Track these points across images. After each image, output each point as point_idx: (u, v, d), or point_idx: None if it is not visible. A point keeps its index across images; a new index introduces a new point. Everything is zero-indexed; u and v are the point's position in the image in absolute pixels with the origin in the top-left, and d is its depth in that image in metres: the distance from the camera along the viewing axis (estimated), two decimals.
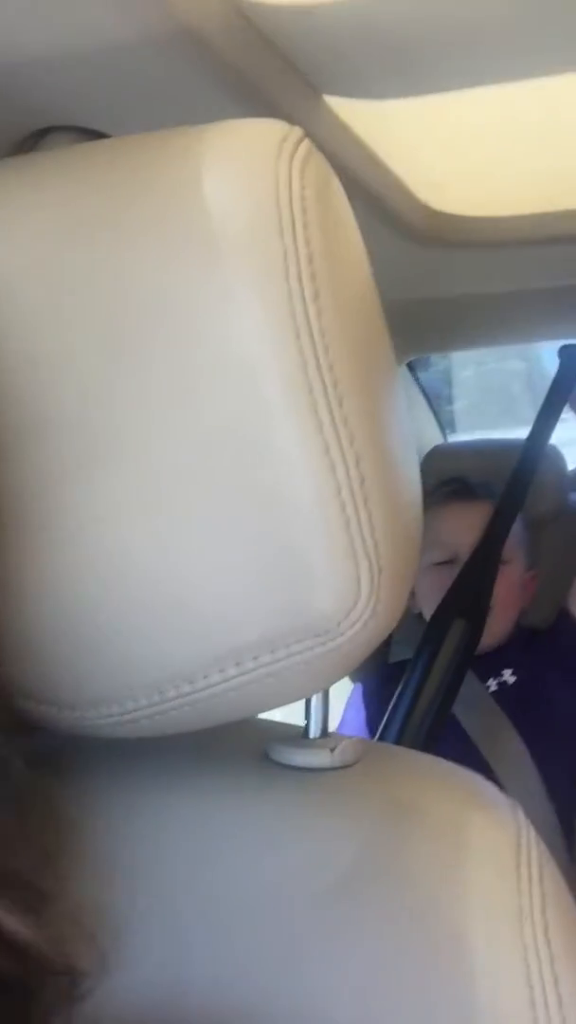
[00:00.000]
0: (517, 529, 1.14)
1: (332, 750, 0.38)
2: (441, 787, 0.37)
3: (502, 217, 0.81)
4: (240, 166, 0.31)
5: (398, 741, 0.91)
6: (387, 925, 0.32)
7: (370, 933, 0.32)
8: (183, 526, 0.31)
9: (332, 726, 0.40)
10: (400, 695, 0.94)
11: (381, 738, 0.93)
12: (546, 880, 0.33)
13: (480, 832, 0.34)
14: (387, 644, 1.27)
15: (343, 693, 1.23)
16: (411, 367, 1.44)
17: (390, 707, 0.95)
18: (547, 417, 1.13)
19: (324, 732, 0.39)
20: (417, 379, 1.49)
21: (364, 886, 0.33)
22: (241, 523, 0.30)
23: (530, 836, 0.34)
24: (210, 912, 0.34)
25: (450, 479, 1.19)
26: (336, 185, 0.33)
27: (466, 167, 0.73)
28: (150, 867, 0.36)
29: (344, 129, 0.57)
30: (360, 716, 1.16)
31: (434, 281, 0.93)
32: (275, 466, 0.30)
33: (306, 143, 0.32)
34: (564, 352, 1.18)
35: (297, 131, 0.32)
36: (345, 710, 1.19)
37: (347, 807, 0.36)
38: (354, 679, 1.24)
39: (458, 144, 0.69)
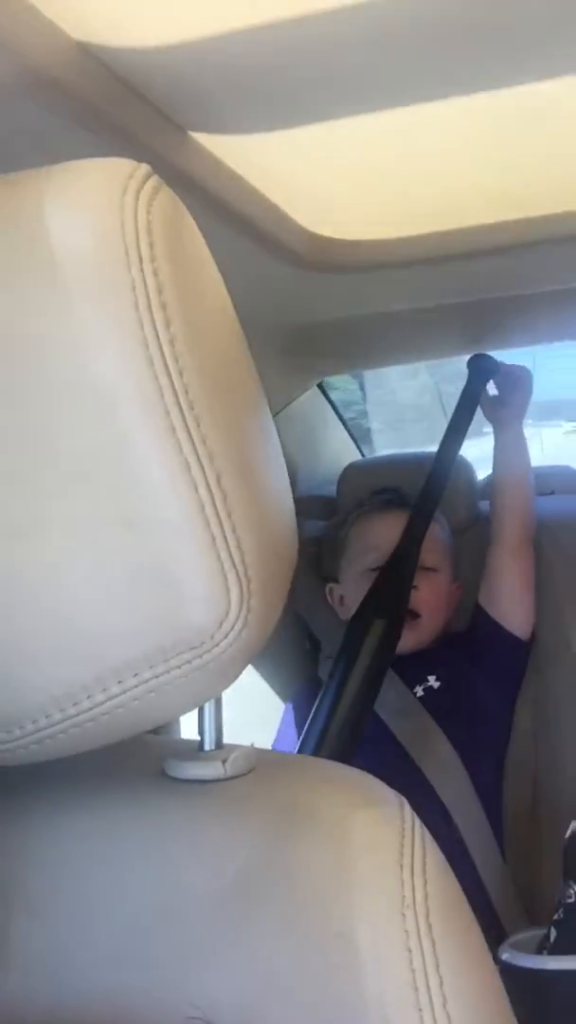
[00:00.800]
0: (446, 539, 1.17)
1: (224, 761, 0.39)
2: (330, 789, 0.38)
3: (387, 240, 0.83)
4: (86, 203, 0.32)
5: (320, 742, 0.91)
6: (277, 926, 0.34)
7: (260, 935, 0.33)
8: (56, 551, 0.32)
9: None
10: (321, 700, 0.96)
11: (302, 744, 0.93)
12: (429, 869, 0.35)
13: (365, 829, 0.35)
14: (315, 662, 1.28)
15: (277, 710, 1.24)
16: (322, 387, 1.47)
17: (311, 713, 0.96)
18: (458, 424, 1.17)
19: (219, 744, 0.41)
20: (329, 399, 1.52)
21: (254, 890, 0.34)
22: (112, 545, 0.32)
23: (415, 828, 0.36)
24: (104, 926, 0.35)
25: (382, 489, 1.23)
26: (186, 217, 0.35)
27: (345, 192, 0.76)
28: (45, 887, 0.36)
29: (215, 164, 0.59)
30: (291, 731, 1.17)
31: (326, 304, 0.96)
32: (140, 488, 0.31)
33: (154, 179, 0.34)
34: (472, 363, 1.22)
35: (144, 168, 0.34)
36: (279, 726, 1.20)
37: (240, 815, 0.37)
38: (284, 698, 1.25)
39: (334, 170, 0.71)
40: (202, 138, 0.57)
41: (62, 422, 0.31)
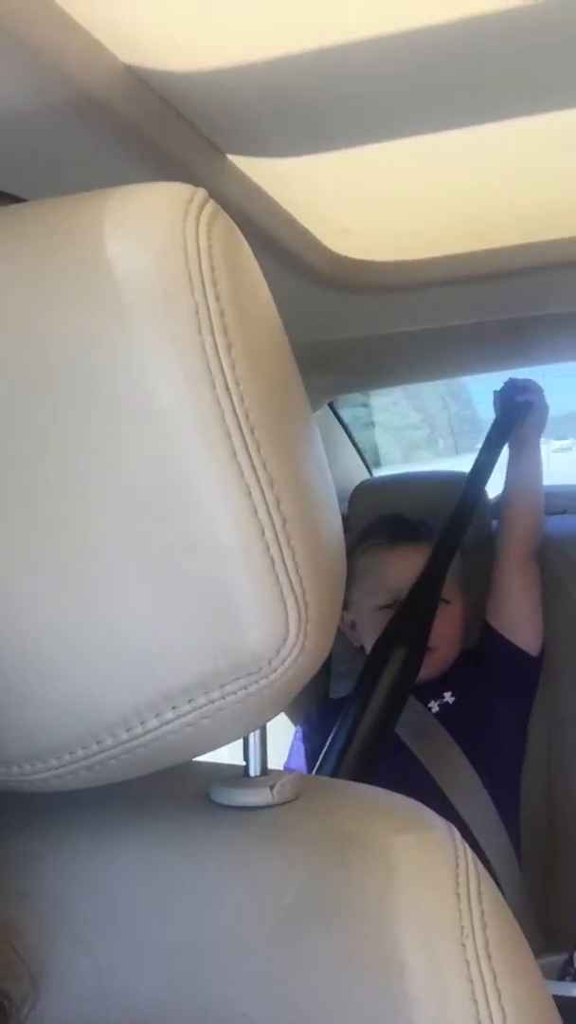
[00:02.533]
0: (457, 567, 1.16)
1: (271, 788, 0.38)
2: (378, 816, 0.38)
3: (406, 261, 0.84)
4: (149, 228, 0.32)
5: (337, 767, 0.91)
6: (330, 956, 0.33)
7: (313, 965, 0.33)
8: (114, 575, 0.31)
9: (274, 763, 0.41)
10: (340, 725, 0.95)
11: (321, 765, 0.93)
12: (485, 898, 0.34)
13: (417, 856, 0.35)
14: (327, 680, 1.28)
15: (288, 730, 1.23)
16: (332, 407, 1.48)
17: (330, 737, 0.95)
18: (488, 455, 1.16)
19: (264, 770, 0.40)
20: (340, 418, 1.52)
21: (307, 921, 0.34)
22: (170, 569, 0.31)
23: (467, 856, 0.36)
24: (154, 956, 0.35)
25: (391, 518, 1.21)
26: (242, 241, 0.35)
27: (370, 214, 0.76)
28: (94, 918, 0.36)
29: (249, 186, 0.60)
30: (300, 757, 1.17)
31: (346, 324, 0.96)
32: (199, 512, 0.31)
33: (211, 204, 0.34)
34: (505, 390, 1.21)
35: (202, 192, 0.34)
36: (290, 753, 1.20)
37: (288, 843, 0.37)
38: (295, 720, 1.25)
39: (361, 193, 0.72)
40: (238, 160, 0.57)
41: (125, 445, 0.31)
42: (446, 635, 1.08)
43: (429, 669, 1.06)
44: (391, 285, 0.84)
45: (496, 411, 1.21)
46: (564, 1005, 0.79)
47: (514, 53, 0.48)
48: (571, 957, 0.80)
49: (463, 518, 1.09)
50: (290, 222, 0.68)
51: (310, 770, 1.09)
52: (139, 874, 0.37)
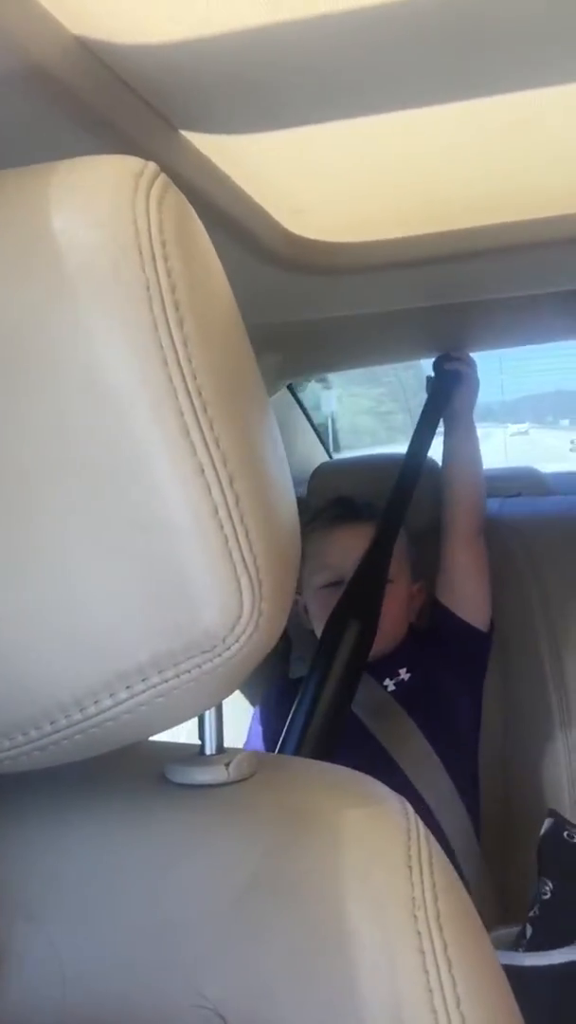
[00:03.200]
0: (403, 547, 1.17)
1: (227, 765, 0.38)
2: (332, 792, 0.38)
3: (363, 242, 0.84)
4: (99, 202, 0.31)
5: (299, 747, 0.92)
6: (287, 931, 0.33)
7: (269, 940, 0.33)
8: (64, 554, 0.31)
9: (230, 742, 0.41)
10: (298, 704, 0.96)
11: (283, 745, 0.94)
12: (436, 870, 0.35)
13: (370, 831, 0.35)
14: (286, 662, 1.28)
15: (247, 711, 1.24)
16: (292, 389, 1.48)
17: (290, 715, 0.96)
18: (423, 432, 1.17)
19: (220, 748, 0.40)
20: (299, 400, 1.52)
21: (263, 898, 0.34)
22: (123, 547, 0.31)
23: (419, 829, 0.36)
24: (111, 937, 0.35)
25: (336, 500, 1.22)
26: (193, 216, 0.34)
27: (326, 195, 0.76)
28: (50, 901, 0.36)
29: (203, 162, 0.59)
30: (259, 735, 1.17)
31: (302, 305, 0.96)
32: (152, 490, 0.31)
33: (162, 178, 0.33)
34: (437, 367, 1.23)
35: (152, 166, 0.33)
36: (249, 732, 1.20)
37: (244, 820, 0.37)
38: (253, 701, 1.25)
39: (317, 173, 0.71)
40: (191, 136, 0.56)
41: (74, 424, 0.31)
42: (390, 613, 1.08)
43: (378, 646, 1.08)
44: (346, 266, 0.84)
45: (428, 389, 1.22)
46: (516, 974, 0.81)
47: (468, 34, 0.48)
48: (523, 928, 0.82)
49: (403, 496, 1.10)
50: (244, 200, 0.67)
51: (268, 751, 1.10)
52: (95, 855, 0.37)
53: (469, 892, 1.04)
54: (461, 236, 0.85)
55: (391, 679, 1.12)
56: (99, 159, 0.33)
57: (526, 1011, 0.38)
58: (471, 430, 1.22)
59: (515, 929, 0.85)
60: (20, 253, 0.31)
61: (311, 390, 1.66)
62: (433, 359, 1.26)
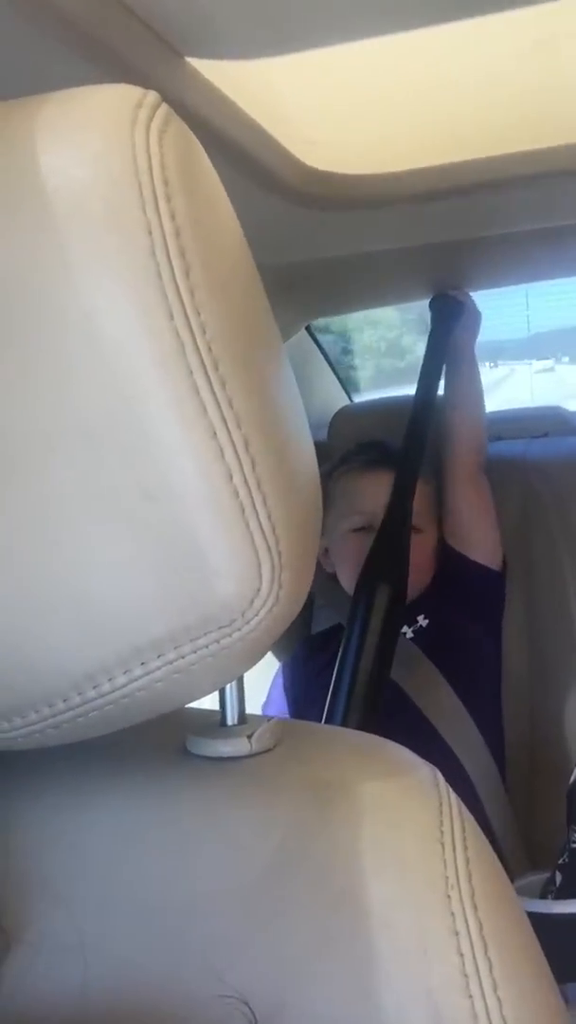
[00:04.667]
0: (431, 495, 1.15)
1: (250, 737, 0.37)
2: (360, 762, 0.37)
3: (383, 174, 0.80)
4: (93, 136, 0.28)
5: (347, 712, 0.92)
6: (313, 910, 0.32)
7: (295, 920, 0.32)
8: (73, 524, 0.29)
9: (250, 698, 0.39)
10: (340, 668, 0.95)
11: (329, 712, 0.93)
12: (470, 845, 0.33)
13: (401, 804, 0.34)
14: (308, 613, 1.27)
15: (269, 670, 1.23)
16: (310, 331, 1.43)
17: (332, 681, 0.95)
18: (429, 371, 1.14)
19: (242, 718, 0.39)
20: (318, 342, 1.48)
21: (289, 873, 0.33)
22: (131, 516, 0.29)
23: (451, 800, 0.34)
24: (130, 912, 0.34)
25: (367, 444, 1.19)
26: (200, 151, 0.31)
27: (343, 125, 0.72)
28: (71, 874, 0.35)
29: (210, 91, 0.55)
30: (282, 695, 1.16)
31: (318, 242, 0.92)
32: (160, 454, 0.29)
33: (164, 108, 0.30)
34: (435, 304, 1.19)
35: (153, 95, 0.30)
36: (270, 689, 1.19)
37: (268, 794, 0.36)
38: (277, 656, 1.24)
39: (333, 102, 0.67)
40: (199, 64, 0.52)
41: (72, 386, 0.28)
42: (417, 563, 1.07)
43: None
44: (364, 199, 0.80)
45: (431, 322, 1.18)
46: (545, 922, 0.81)
47: None
48: (552, 876, 0.82)
49: (417, 440, 1.08)
50: (255, 130, 0.63)
51: (294, 715, 1.10)
52: (116, 832, 0.36)
53: (495, 840, 1.04)
54: (485, 164, 0.80)
55: (409, 627, 1.10)
56: (94, 89, 0.30)
57: (554, 960, 0.37)
58: (473, 365, 1.18)
59: (544, 876, 0.84)
60: (6, 194, 0.28)
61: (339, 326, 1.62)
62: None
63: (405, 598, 1.00)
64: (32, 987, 0.34)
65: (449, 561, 1.15)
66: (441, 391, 1.18)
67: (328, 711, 0.94)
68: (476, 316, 1.20)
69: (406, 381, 1.29)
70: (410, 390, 1.16)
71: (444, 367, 1.17)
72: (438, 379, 1.15)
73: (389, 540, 1.02)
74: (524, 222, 0.98)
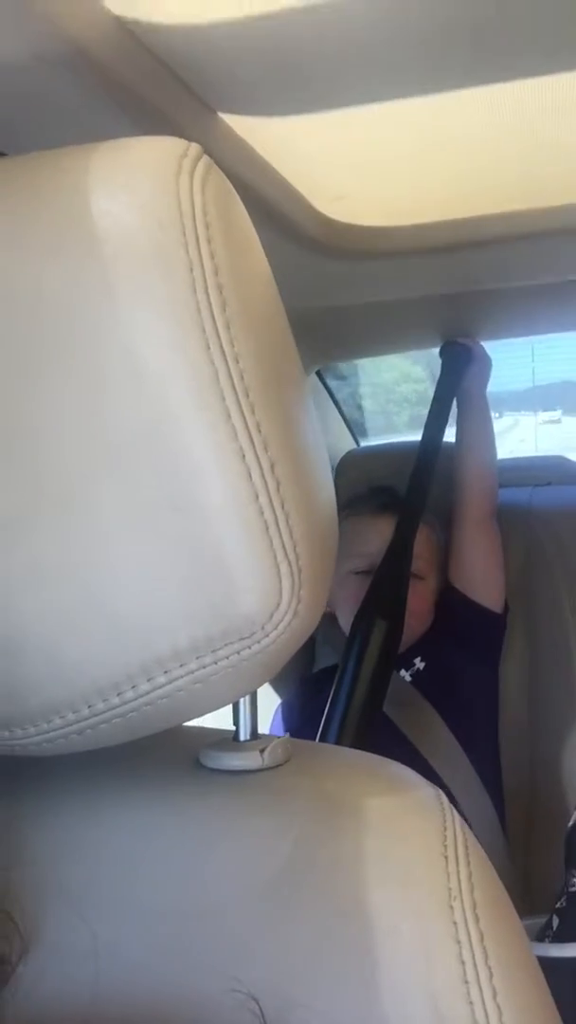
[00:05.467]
0: (435, 543, 1.16)
1: (262, 751, 0.38)
2: (367, 778, 0.38)
3: (400, 227, 0.83)
4: (141, 181, 0.31)
5: (339, 739, 0.92)
6: (320, 919, 0.33)
7: (303, 928, 0.33)
8: (103, 537, 0.31)
9: (261, 728, 0.41)
10: (334, 697, 0.96)
11: (322, 737, 0.94)
12: (472, 860, 0.34)
13: (406, 818, 0.35)
14: (311, 652, 1.28)
15: (270, 699, 1.24)
16: (320, 375, 1.47)
17: (327, 708, 0.96)
18: (437, 417, 1.16)
19: (254, 734, 0.40)
20: (327, 386, 1.51)
21: (296, 885, 0.34)
22: (161, 532, 0.31)
23: (454, 819, 0.36)
24: (144, 919, 0.35)
25: (378, 489, 1.21)
26: (237, 200, 0.34)
27: (363, 179, 0.75)
28: (85, 881, 0.36)
29: (241, 145, 0.59)
30: (282, 730, 1.17)
31: (336, 290, 0.95)
32: (192, 474, 0.31)
33: (205, 159, 0.33)
34: (445, 351, 1.22)
35: (195, 148, 0.33)
36: (273, 720, 1.20)
37: (279, 806, 0.37)
38: (279, 692, 1.25)
39: (355, 157, 0.71)
40: (230, 120, 0.56)
41: (114, 407, 0.30)
42: (416, 610, 1.08)
43: (403, 642, 1.07)
44: (385, 250, 0.83)
45: (441, 368, 1.21)
46: (542, 965, 0.80)
47: (514, 16, 0.48)
48: (550, 920, 0.82)
49: (421, 485, 1.09)
50: (283, 184, 0.66)
51: None
52: (129, 838, 0.37)
53: None
54: (501, 220, 0.84)
55: (407, 670, 1.11)
56: (141, 140, 0.33)
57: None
58: (484, 411, 1.20)
59: (541, 919, 0.84)
60: (59, 234, 0.31)
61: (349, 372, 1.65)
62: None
63: (401, 633, 1.00)
64: (47, 989, 0.35)
65: (452, 602, 1.16)
66: (453, 437, 1.20)
67: (321, 734, 0.95)
68: (486, 362, 1.22)
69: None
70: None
71: (453, 414, 1.19)
72: (444, 425, 1.17)
73: (387, 580, 1.03)
74: (532, 277, 1.01)
